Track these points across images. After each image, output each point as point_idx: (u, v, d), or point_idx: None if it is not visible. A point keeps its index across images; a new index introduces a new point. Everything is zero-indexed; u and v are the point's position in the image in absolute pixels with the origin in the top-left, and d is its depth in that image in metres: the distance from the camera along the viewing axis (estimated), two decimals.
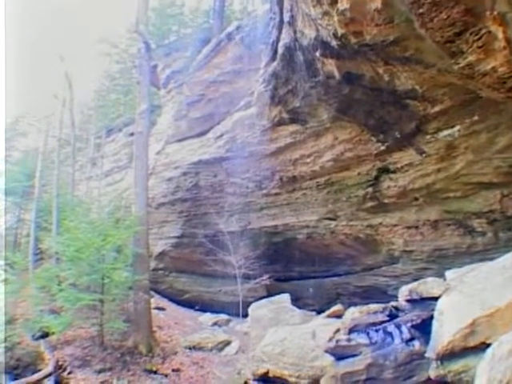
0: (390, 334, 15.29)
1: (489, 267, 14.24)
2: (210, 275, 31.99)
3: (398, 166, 20.20)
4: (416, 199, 21.07)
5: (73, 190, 38.21)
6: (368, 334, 15.62)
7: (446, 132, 17.07)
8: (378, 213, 23.12)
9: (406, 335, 14.97)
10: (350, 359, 15.39)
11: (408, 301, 16.40)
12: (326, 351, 16.30)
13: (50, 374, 18.77)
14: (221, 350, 23.58)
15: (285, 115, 21.61)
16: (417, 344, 14.62)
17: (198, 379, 20.04)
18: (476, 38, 9.40)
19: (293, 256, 29.30)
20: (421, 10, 9.52)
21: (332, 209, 24.71)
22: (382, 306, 16.81)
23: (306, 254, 28.53)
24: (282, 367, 17.66)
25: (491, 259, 14.94)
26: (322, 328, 18.50)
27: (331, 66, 15.73)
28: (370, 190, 22.11)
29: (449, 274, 16.36)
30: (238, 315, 28.04)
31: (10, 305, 23.86)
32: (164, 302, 32.18)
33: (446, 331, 12.64)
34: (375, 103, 17.14)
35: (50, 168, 39.97)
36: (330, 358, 16.12)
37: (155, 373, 20.22)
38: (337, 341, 16.03)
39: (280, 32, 17.81)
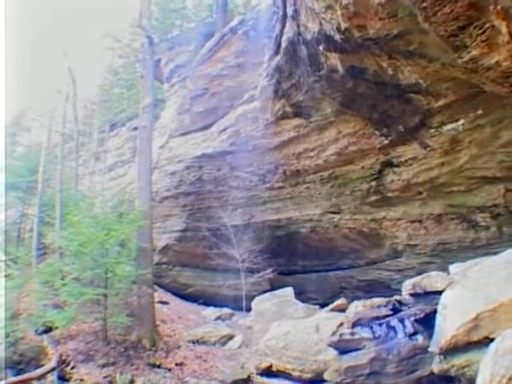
0: (394, 328, 15.27)
1: (492, 261, 14.22)
2: (214, 269, 31.97)
3: (402, 159, 20.16)
4: (420, 193, 21.04)
5: (76, 185, 38.23)
6: (371, 328, 15.60)
7: (449, 126, 17.03)
8: (381, 207, 23.10)
9: (410, 329, 14.94)
10: (354, 353, 15.38)
11: (411, 295, 16.36)
12: (330, 345, 16.31)
13: (53, 369, 18.80)
14: (224, 343, 23.58)
15: (288, 109, 21.58)
16: (420, 338, 14.60)
17: (201, 373, 20.04)
18: (480, 32, 9.37)
19: (296, 250, 29.30)
20: (424, 4, 9.49)
21: (336, 203, 24.69)
22: (386, 300, 16.78)
23: (309, 247, 28.51)
24: (286, 361, 17.72)
25: (495, 253, 14.92)
26: (326, 322, 18.54)
27: (335, 59, 15.70)
28: (373, 183, 22.08)
29: (452, 268, 16.35)
30: (241, 309, 28.05)
31: (14, 300, 23.89)
32: (167, 296, 32.19)
33: (449, 325, 12.62)
34: (379, 97, 17.11)
35: (53, 163, 39.99)
36: (333, 352, 16.15)
37: (159, 367, 20.25)
38: (340, 335, 16.02)
39: (283, 26, 17.76)
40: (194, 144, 29.24)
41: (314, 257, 28.84)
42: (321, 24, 14.23)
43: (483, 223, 20.53)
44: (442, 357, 12.71)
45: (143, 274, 22.66)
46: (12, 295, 23.79)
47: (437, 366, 12.91)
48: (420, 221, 22.40)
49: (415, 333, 14.82)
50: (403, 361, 14.35)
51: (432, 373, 13.28)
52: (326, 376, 15.95)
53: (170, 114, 32.33)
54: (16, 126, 50.23)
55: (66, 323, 21.14)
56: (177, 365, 20.54)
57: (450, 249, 22.30)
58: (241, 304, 27.87)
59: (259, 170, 26.23)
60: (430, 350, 13.47)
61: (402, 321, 15.31)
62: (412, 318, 15.22)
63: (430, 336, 13.80)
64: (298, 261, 30.12)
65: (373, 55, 14.18)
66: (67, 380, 18.82)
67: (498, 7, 8.59)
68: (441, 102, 15.85)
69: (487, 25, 9.15)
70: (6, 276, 25.13)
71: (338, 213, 25.24)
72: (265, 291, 26.89)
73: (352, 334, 15.79)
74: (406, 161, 20.09)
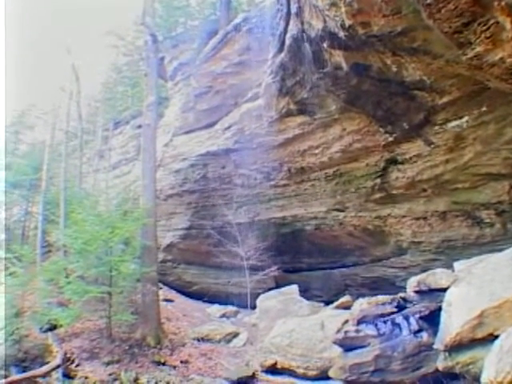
0: (398, 325, 15.27)
1: (497, 258, 14.21)
2: (219, 267, 31.99)
3: (407, 156, 20.16)
4: (424, 190, 21.03)
5: (80, 183, 38.22)
6: (376, 325, 15.61)
7: (454, 123, 17.03)
8: (386, 204, 23.10)
9: (414, 326, 14.94)
10: (359, 350, 15.40)
11: (416, 292, 16.36)
12: (335, 342, 16.34)
13: (57, 367, 18.81)
14: (229, 341, 23.58)
15: (293, 106, 21.59)
16: (425, 335, 14.59)
17: (206, 371, 20.05)
18: (484, 28, 9.37)
19: (301, 247, 29.31)
20: (428, 1, 9.50)
21: (340, 200, 24.69)
22: (391, 297, 16.79)
23: (314, 245, 28.53)
24: (291, 358, 17.76)
25: (500, 250, 14.91)
26: (331, 319, 18.57)
27: (339, 57, 15.70)
28: (378, 181, 22.08)
29: (457, 265, 16.33)
30: (246, 307, 28.11)
31: (18, 297, 23.90)
32: (172, 294, 32.25)
33: (454, 322, 12.63)
34: (383, 94, 17.11)
35: (57, 161, 39.96)
36: (338, 350, 16.17)
37: (163, 364, 20.25)
38: (345, 332, 16.04)
39: (287, 23, 17.77)
40: (198, 142, 29.26)
41: (319, 254, 28.86)
42: (325, 21, 14.23)
43: (488, 220, 20.52)
44: (446, 354, 12.73)
45: (148, 272, 22.66)
46: (16, 293, 23.81)
47: (442, 363, 12.93)
48: (425, 218, 22.40)
49: (420, 330, 14.82)
50: (408, 358, 14.36)
51: (437, 370, 13.30)
52: (330, 373, 15.97)
53: (174, 112, 32.35)
54: (20, 124, 50.20)
55: (71, 321, 21.14)
56: (182, 362, 20.55)
57: (455, 246, 22.29)
58: (246, 302, 27.94)
59: (264, 168, 26.24)
60: (434, 347, 13.48)
61: (406, 318, 15.31)
62: (417, 315, 15.22)
63: (435, 333, 13.81)
64: (302, 258, 30.14)
65: (377, 52, 14.18)
66: (72, 377, 18.83)
67: (503, 3, 8.58)
68: (445, 99, 15.85)
69: (491, 21, 9.14)
70: (10, 274, 25.11)
71: (342, 210, 25.24)
72: (270, 289, 26.94)
73: (357, 331, 15.80)
74: (410, 158, 20.09)
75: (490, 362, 10.41)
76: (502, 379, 9.64)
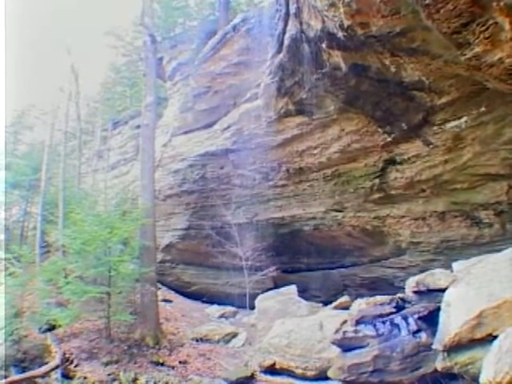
0: (397, 325, 15.28)
1: (496, 259, 14.23)
2: (217, 267, 32.02)
3: (405, 157, 20.19)
4: (423, 190, 21.06)
5: (79, 183, 38.22)
6: (375, 325, 15.61)
7: (453, 123, 17.06)
8: (385, 204, 23.12)
9: (413, 327, 14.95)
10: (357, 351, 15.40)
11: (415, 292, 16.40)
12: (333, 343, 16.35)
13: (56, 367, 18.80)
14: (228, 341, 23.59)
15: (291, 107, 21.61)
16: (424, 336, 14.60)
17: (204, 371, 20.05)
18: (483, 28, 9.38)
19: (300, 247, 29.31)
20: (427, 1, 9.50)
21: (339, 200, 24.72)
22: (389, 297, 16.86)
23: (313, 245, 28.54)
24: (289, 359, 17.74)
25: (498, 251, 14.94)
26: (329, 319, 18.57)
27: (337, 57, 15.73)
28: (376, 181, 22.10)
29: (456, 265, 16.35)
30: (244, 307, 28.12)
31: (17, 298, 23.87)
32: (171, 294, 32.26)
33: (452, 323, 12.65)
34: (382, 94, 17.14)
35: (56, 161, 39.91)
36: (336, 350, 16.18)
37: (162, 365, 20.25)
38: (344, 332, 16.05)
39: (286, 24, 17.79)
40: (197, 142, 29.28)
41: (318, 254, 28.88)
42: (323, 22, 14.25)
43: (487, 220, 20.55)
44: (445, 354, 12.74)
45: (146, 272, 22.65)
46: (16, 293, 23.80)
47: (440, 364, 12.94)
48: (423, 218, 22.43)
49: (419, 330, 14.83)
50: (407, 358, 14.36)
51: (435, 370, 13.32)
52: (329, 374, 15.97)
53: (172, 112, 32.37)
54: (19, 124, 50.22)
55: (70, 321, 21.14)
56: (180, 363, 20.56)
57: (454, 246, 22.32)
58: (244, 302, 27.96)
59: (262, 168, 26.26)
60: (433, 347, 13.50)
61: (405, 318, 15.32)
62: (415, 316, 15.22)
63: (434, 333, 13.83)
64: (301, 259, 30.14)
65: (376, 53, 14.20)
66: (71, 378, 18.83)
67: (501, 4, 8.58)
68: (444, 100, 15.88)
69: (490, 21, 9.15)
70: (9, 274, 25.12)
71: (341, 210, 25.27)
72: (268, 289, 26.91)
73: (355, 331, 15.81)
74: (409, 158, 20.12)
75: (488, 363, 10.43)
76: (501, 379, 9.66)
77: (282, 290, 25.06)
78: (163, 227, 33.01)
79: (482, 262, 14.79)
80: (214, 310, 30.06)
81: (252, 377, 18.69)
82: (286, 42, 18.18)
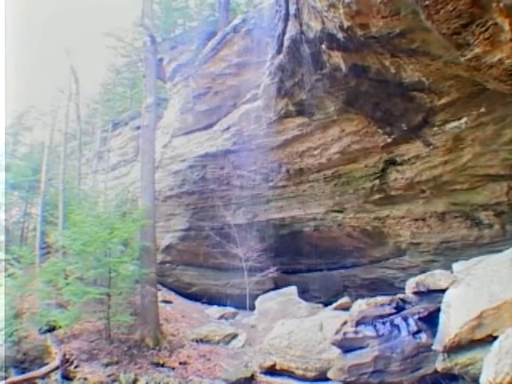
0: (397, 326, 15.30)
1: (496, 259, 14.23)
2: (217, 268, 32.05)
3: (405, 158, 20.18)
4: (423, 191, 21.06)
5: (79, 184, 38.15)
6: (375, 326, 15.64)
7: (452, 124, 17.05)
8: (385, 205, 23.12)
9: (413, 328, 14.97)
10: (357, 351, 15.43)
11: (415, 293, 16.40)
12: (333, 344, 16.38)
13: (56, 368, 18.83)
14: (228, 342, 23.60)
15: (291, 108, 21.59)
16: (424, 336, 14.62)
17: (205, 372, 20.07)
18: (482, 29, 9.36)
19: (300, 248, 29.31)
20: (427, 2, 9.49)
21: (339, 201, 24.72)
22: (389, 298, 16.82)
23: (313, 246, 28.52)
24: (289, 360, 17.76)
25: (498, 251, 14.94)
26: (329, 320, 18.59)
27: (337, 58, 15.71)
28: (376, 182, 22.10)
29: (456, 266, 16.34)
30: (244, 308, 28.14)
31: (17, 299, 23.85)
32: (171, 295, 32.23)
33: (453, 324, 12.65)
34: (382, 95, 17.12)
35: (56, 162, 40.00)
36: (337, 351, 16.21)
37: (162, 366, 20.27)
38: (344, 333, 16.08)
39: (286, 25, 17.76)
40: (197, 143, 29.26)
41: (318, 255, 28.85)
42: (323, 22, 14.24)
43: (486, 221, 20.56)
44: (445, 355, 12.74)
45: (146, 273, 22.66)
46: (15, 294, 23.79)
47: (440, 364, 12.95)
48: (423, 219, 22.43)
49: (419, 331, 14.85)
50: (407, 359, 14.38)
51: (436, 371, 13.34)
52: (329, 374, 15.99)
53: (172, 113, 32.34)
54: (18, 125, 50.23)
55: (70, 322, 21.15)
56: (180, 364, 20.58)
57: (454, 247, 22.32)
58: (244, 303, 27.97)
59: (262, 169, 26.25)
60: (433, 348, 13.51)
61: (405, 319, 15.34)
62: (416, 317, 15.25)
63: (434, 334, 13.84)
64: (301, 259, 30.15)
65: (375, 53, 14.19)
66: (71, 379, 18.86)
67: (501, 4, 8.57)
68: (444, 100, 15.87)
69: (490, 22, 9.14)
70: (9, 275, 25.12)
71: (341, 211, 25.27)
72: (268, 290, 26.98)
73: (356, 332, 15.84)
74: (409, 159, 20.11)
75: (488, 363, 10.42)
76: (501, 380, 9.65)
77: (282, 290, 25.11)
78: (163, 228, 33.00)
79: (482, 262, 14.79)
80: (214, 310, 30.06)
81: (252, 378, 18.75)
82: (286, 42, 18.16)
